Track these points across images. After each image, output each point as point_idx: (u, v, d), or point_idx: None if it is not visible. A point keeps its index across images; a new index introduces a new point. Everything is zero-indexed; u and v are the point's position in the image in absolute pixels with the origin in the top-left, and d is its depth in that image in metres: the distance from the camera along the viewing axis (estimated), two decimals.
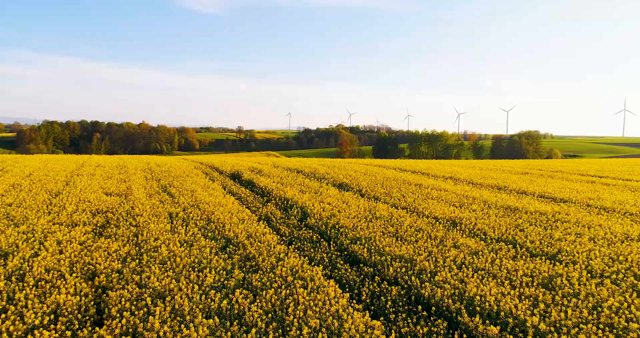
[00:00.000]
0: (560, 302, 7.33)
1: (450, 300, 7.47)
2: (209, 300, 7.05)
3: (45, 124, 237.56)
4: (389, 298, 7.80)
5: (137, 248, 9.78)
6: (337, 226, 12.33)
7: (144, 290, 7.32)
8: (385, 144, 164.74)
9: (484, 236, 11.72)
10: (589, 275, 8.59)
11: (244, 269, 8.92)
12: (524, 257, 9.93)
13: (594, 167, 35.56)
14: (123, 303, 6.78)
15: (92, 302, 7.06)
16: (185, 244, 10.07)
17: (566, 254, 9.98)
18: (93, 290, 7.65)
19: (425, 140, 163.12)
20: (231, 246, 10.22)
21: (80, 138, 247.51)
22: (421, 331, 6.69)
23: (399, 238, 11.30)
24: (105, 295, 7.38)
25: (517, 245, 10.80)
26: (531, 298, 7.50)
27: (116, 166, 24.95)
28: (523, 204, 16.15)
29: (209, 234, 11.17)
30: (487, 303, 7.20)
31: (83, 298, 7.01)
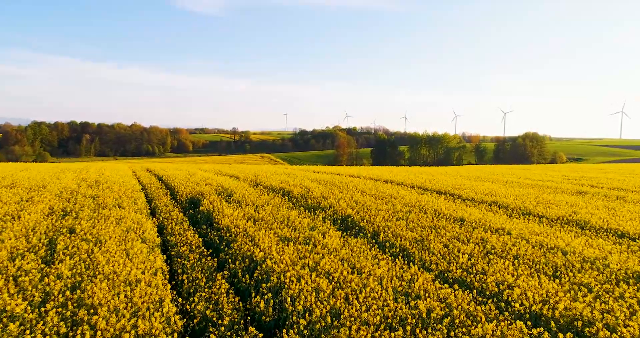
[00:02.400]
0: None
1: None
2: None
3: (32, 125, 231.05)
4: None
5: None
6: None
7: None
8: (384, 146, 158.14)
9: None
10: None
11: None
12: None
13: None
14: None
15: None
16: None
17: None
18: None
19: (426, 143, 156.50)
20: None
21: (69, 139, 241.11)
22: None
23: None
24: None
25: None
26: None
27: (30, 187, 17.92)
28: None
29: None
30: None
31: None
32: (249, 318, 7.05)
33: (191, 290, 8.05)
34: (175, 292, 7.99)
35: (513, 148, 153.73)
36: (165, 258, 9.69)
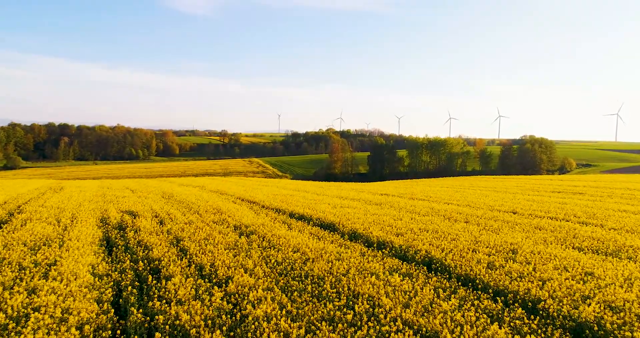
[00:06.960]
0: None
1: None
2: None
3: (6, 128, 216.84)
4: None
5: None
6: None
7: None
8: (381, 151, 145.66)
9: None
10: None
11: None
12: None
13: None
14: None
15: None
16: None
17: None
18: None
19: (427, 147, 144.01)
20: None
21: (47, 142, 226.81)
22: None
23: None
24: None
25: None
26: None
27: None
28: None
29: None
30: None
31: None
32: None
33: None
34: None
35: (521, 153, 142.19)
36: None
